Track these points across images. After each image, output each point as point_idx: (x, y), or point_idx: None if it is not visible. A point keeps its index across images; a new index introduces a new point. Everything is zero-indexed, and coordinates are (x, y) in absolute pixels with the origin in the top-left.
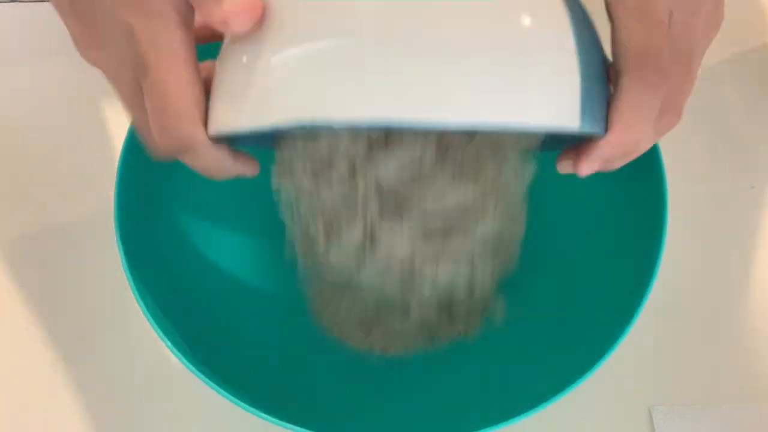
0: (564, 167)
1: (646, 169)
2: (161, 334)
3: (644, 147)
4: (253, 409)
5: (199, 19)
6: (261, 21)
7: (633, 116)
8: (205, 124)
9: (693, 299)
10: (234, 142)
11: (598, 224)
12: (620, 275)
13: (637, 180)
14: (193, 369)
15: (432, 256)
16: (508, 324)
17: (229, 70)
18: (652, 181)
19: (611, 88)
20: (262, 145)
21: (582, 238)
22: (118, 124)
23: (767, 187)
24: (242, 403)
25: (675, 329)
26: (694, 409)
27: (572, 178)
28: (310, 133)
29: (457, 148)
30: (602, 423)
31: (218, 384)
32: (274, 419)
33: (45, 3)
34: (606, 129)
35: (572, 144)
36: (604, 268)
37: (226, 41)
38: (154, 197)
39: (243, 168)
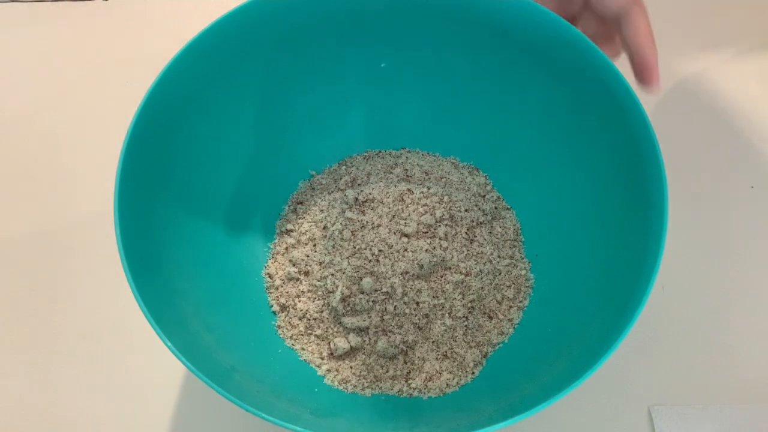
0: None
1: (646, 170)
2: (160, 333)
3: None
4: (252, 409)
5: None
6: None
7: None
8: None
9: (693, 299)
10: None
11: (597, 226)
12: (620, 276)
13: (636, 180)
14: (194, 369)
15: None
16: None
17: None
18: (652, 182)
19: None
20: None
21: (581, 240)
22: (118, 123)
23: (767, 187)
24: (240, 402)
25: (675, 330)
26: (694, 409)
27: (569, 181)
28: None
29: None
30: (602, 423)
31: (218, 384)
32: (276, 420)
33: (45, 3)
34: None
35: None
36: (604, 269)
37: None
38: (154, 198)
39: None
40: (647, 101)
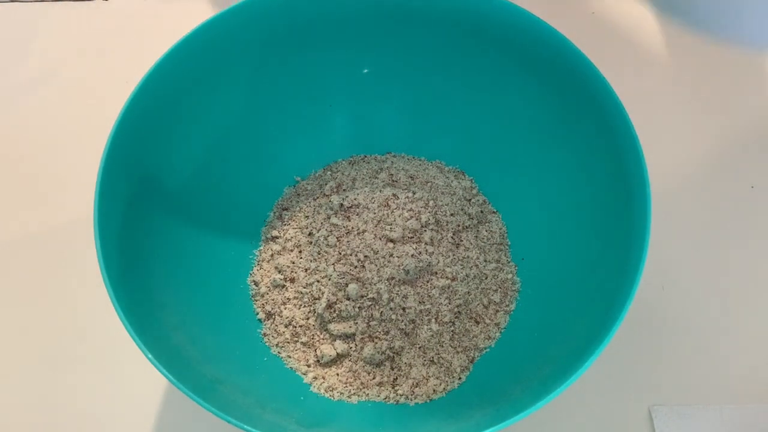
0: None
1: (629, 171)
2: (141, 344)
3: None
4: (236, 422)
5: None
6: None
7: None
8: None
9: (693, 299)
10: None
11: (582, 228)
12: (605, 277)
13: (620, 181)
14: (175, 381)
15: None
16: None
17: None
18: (635, 183)
19: None
20: None
21: (567, 242)
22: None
23: (767, 187)
24: (224, 415)
25: (675, 330)
26: (694, 409)
27: (555, 183)
28: None
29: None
30: (602, 423)
31: (201, 396)
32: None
33: (45, 3)
34: None
35: None
36: (590, 271)
37: None
38: (136, 206)
39: None
40: (648, 101)
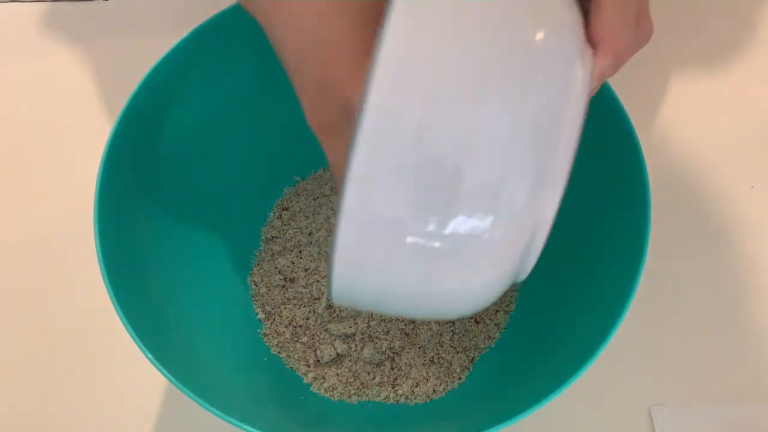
0: None
1: (629, 169)
2: (141, 344)
3: (627, 57)
4: (237, 422)
5: None
6: None
7: (617, 24)
8: None
9: (693, 299)
10: None
11: (582, 227)
12: (605, 277)
13: (619, 180)
14: (176, 381)
15: None
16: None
17: None
18: (635, 182)
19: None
20: None
21: (566, 241)
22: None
23: (767, 187)
24: (224, 415)
25: (675, 330)
26: (694, 409)
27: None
28: None
29: None
30: (602, 423)
31: (202, 396)
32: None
33: (44, 3)
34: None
35: None
36: (589, 270)
37: None
38: (135, 206)
39: None
40: (648, 101)
